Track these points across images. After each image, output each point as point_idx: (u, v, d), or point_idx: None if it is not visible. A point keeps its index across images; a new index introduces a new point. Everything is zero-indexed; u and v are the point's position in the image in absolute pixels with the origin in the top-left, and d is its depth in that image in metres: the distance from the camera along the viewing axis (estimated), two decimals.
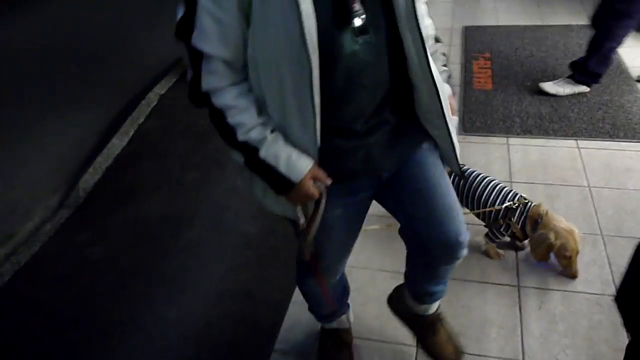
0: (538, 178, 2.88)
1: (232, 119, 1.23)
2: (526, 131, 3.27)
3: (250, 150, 1.26)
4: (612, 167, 2.93)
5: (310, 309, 2.02)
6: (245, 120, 1.24)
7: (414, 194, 1.51)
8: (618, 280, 2.24)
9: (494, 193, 2.31)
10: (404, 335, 2.11)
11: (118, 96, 4.22)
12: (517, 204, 2.26)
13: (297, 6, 1.08)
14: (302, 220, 1.41)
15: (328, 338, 2.09)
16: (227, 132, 1.25)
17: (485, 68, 4.02)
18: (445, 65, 1.49)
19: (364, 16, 1.17)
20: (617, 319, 1.52)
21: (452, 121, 1.41)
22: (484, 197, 2.32)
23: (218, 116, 1.24)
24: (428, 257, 1.62)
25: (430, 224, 1.50)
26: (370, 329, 2.18)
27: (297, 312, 2.27)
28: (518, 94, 3.65)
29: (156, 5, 5.61)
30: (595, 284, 2.26)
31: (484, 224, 2.39)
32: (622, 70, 3.82)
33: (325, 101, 1.21)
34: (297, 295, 2.33)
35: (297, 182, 1.28)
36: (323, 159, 1.31)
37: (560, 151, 3.09)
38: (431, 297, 1.84)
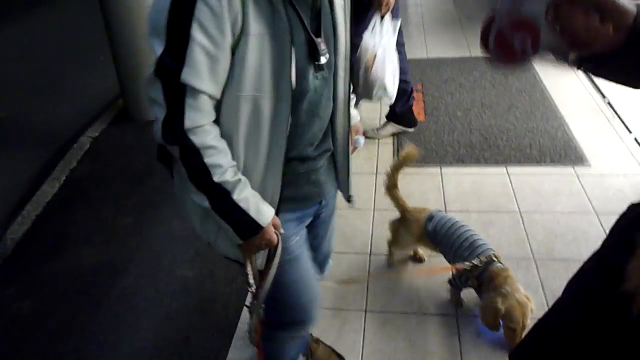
0: (472, 206, 2.96)
1: (210, 159, 1.21)
2: (459, 160, 3.36)
3: (222, 193, 1.24)
4: (540, 192, 3.04)
5: None
6: (222, 162, 1.23)
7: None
8: (552, 303, 2.31)
9: (464, 244, 2.21)
10: None
11: (49, 141, 4.09)
12: (482, 262, 2.12)
13: (291, 45, 1.20)
14: (251, 281, 1.42)
15: None
16: (202, 172, 1.22)
17: (418, 100, 4.13)
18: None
19: (327, 55, 1.33)
20: None
21: (360, 140, 1.72)
22: (454, 247, 2.23)
23: (194, 155, 1.20)
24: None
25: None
26: None
27: (237, 357, 2.22)
28: (449, 124, 3.76)
29: (87, 46, 5.53)
30: None
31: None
32: (545, 98, 4.01)
33: (289, 132, 1.31)
34: (237, 339, 2.29)
35: (264, 227, 1.30)
36: (282, 186, 1.37)
37: (492, 178, 3.19)
38: None
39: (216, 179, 1.22)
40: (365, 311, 2.37)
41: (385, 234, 2.70)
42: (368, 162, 3.40)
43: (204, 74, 1.13)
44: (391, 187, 2.44)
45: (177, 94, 1.15)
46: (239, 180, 1.26)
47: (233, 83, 1.19)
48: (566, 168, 3.23)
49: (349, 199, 1.71)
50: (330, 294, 2.45)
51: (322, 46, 1.31)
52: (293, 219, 1.50)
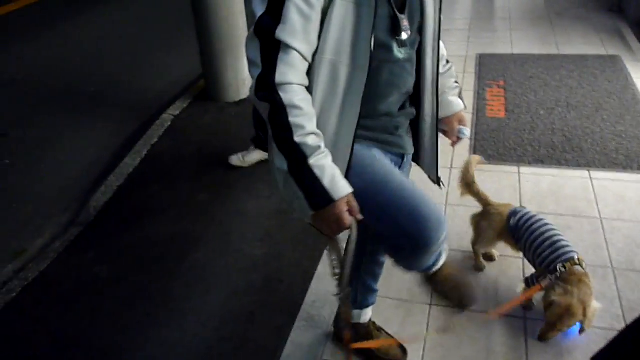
0: (549, 208, 2.85)
1: (295, 119, 1.24)
2: (538, 160, 3.24)
3: (300, 155, 1.25)
4: (625, 199, 2.88)
5: None
6: (306, 124, 1.25)
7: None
8: (628, 315, 2.20)
9: (546, 244, 2.12)
10: None
11: (133, 116, 4.29)
12: (566, 269, 2.02)
13: (375, 12, 1.26)
14: (336, 270, 1.43)
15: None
16: (285, 130, 1.24)
17: (499, 96, 4.01)
18: (456, 82, 1.74)
19: (409, 32, 1.39)
20: None
21: (465, 132, 1.72)
22: (535, 245, 2.14)
23: (280, 112, 1.24)
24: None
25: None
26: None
27: (300, 337, 2.24)
28: (531, 123, 3.63)
29: (173, 28, 5.73)
30: (604, 318, 2.20)
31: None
32: (638, 102, 3.79)
33: (364, 99, 1.35)
34: (300, 320, 2.32)
35: (336, 200, 1.27)
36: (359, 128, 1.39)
37: (573, 181, 3.06)
38: (371, 296, 2.01)
39: (297, 139, 1.24)
40: (430, 305, 2.34)
41: (457, 229, 2.65)
42: (443, 156, 3.29)
43: (297, 31, 1.20)
44: (469, 184, 2.39)
45: (272, 51, 1.22)
46: (319, 147, 1.27)
47: (317, 45, 1.26)
48: None
49: (437, 181, 1.72)
50: (395, 283, 2.44)
51: (405, 22, 1.36)
52: (379, 149, 1.51)
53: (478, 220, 2.41)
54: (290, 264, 2.65)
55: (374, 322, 2.14)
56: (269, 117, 1.27)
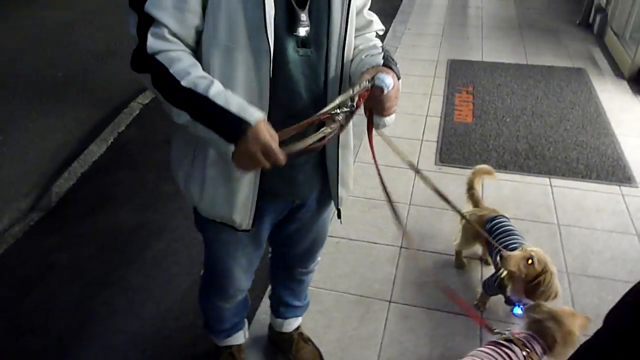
0: (509, 212, 2.87)
1: (176, 68, 1.14)
2: (501, 166, 3.31)
3: (195, 96, 1.13)
4: (582, 207, 2.97)
5: (207, 325, 2.03)
6: (191, 70, 1.15)
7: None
8: None
9: (505, 240, 2.22)
10: (364, 355, 2.10)
11: (102, 103, 4.22)
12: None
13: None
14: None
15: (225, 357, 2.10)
16: (170, 81, 1.13)
17: (467, 102, 4.08)
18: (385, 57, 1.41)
19: (307, 29, 1.25)
20: None
21: (384, 80, 1.27)
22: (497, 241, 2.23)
23: (161, 71, 1.14)
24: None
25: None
26: (331, 352, 2.16)
27: (260, 329, 2.25)
28: (497, 129, 3.71)
29: None
30: None
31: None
32: (599, 114, 3.90)
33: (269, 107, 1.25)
34: (260, 314, 2.32)
35: (254, 125, 1.11)
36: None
37: (533, 188, 3.14)
38: (287, 310, 2.05)
39: (184, 83, 1.13)
40: (390, 302, 2.37)
41: (419, 228, 2.70)
42: (410, 158, 3.37)
43: (167, 7, 1.14)
44: (470, 188, 2.56)
45: (144, 24, 1.15)
46: (212, 82, 1.15)
47: (206, 29, 1.18)
48: (612, 186, 3.14)
49: (337, 212, 1.61)
50: (357, 280, 2.47)
51: (303, 17, 1.24)
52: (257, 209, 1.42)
53: (464, 222, 2.44)
54: None
55: (300, 333, 2.16)
56: (154, 83, 1.17)
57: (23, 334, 2.31)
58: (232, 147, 1.11)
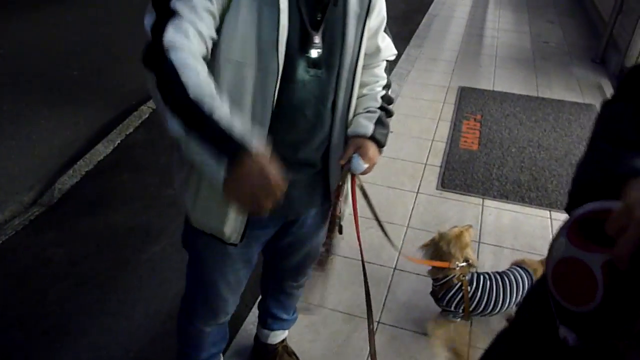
0: (506, 242, 2.91)
1: (189, 79, 1.05)
2: (503, 195, 3.31)
3: (199, 110, 1.04)
4: None
5: (182, 353, 1.89)
6: (203, 85, 1.06)
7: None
8: None
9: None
10: None
11: (113, 104, 4.27)
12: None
13: (278, 14, 1.16)
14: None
15: None
16: (178, 89, 1.04)
17: (474, 129, 4.09)
18: (382, 109, 1.50)
19: (320, 51, 1.26)
20: None
21: (358, 163, 1.43)
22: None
23: (170, 74, 1.05)
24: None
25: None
26: None
27: (245, 339, 2.25)
28: (501, 159, 3.71)
29: None
30: None
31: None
32: None
33: (271, 122, 1.26)
34: (247, 324, 2.32)
35: (253, 151, 1.01)
36: None
37: (533, 219, 3.12)
38: (274, 322, 2.05)
39: (192, 96, 1.04)
40: (379, 322, 2.36)
41: (414, 251, 2.69)
42: (411, 180, 3.39)
43: (195, 6, 1.10)
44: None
45: (164, 18, 1.10)
46: (220, 105, 1.07)
47: (221, 44, 1.16)
48: None
49: (339, 228, 1.63)
50: (348, 298, 2.46)
51: (316, 40, 1.24)
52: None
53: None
54: None
55: (285, 346, 2.16)
56: (158, 85, 1.07)
57: (10, 326, 2.33)
58: (222, 172, 1.01)
